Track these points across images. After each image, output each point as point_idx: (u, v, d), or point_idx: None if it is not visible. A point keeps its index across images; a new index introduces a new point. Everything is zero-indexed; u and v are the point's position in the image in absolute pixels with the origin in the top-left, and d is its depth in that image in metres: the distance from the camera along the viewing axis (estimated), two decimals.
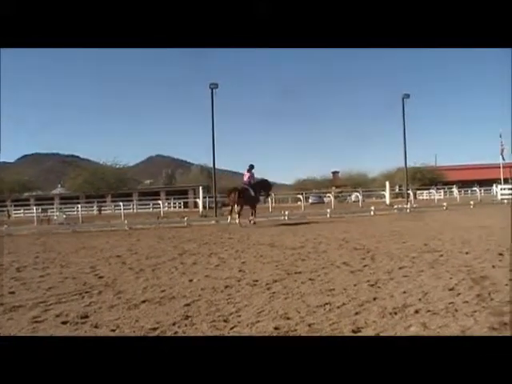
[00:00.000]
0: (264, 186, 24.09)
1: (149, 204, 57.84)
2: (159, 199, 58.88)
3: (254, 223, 22.55)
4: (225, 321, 5.40)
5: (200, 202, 38.03)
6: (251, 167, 23.31)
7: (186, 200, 63.71)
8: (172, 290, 7.23)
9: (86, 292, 7.31)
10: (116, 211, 47.96)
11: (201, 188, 38.94)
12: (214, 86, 30.67)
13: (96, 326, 5.35)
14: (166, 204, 60.32)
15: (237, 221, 21.97)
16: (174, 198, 65.29)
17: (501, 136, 59.12)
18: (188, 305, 6.22)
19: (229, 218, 23.37)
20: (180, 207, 62.80)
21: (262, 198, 24.85)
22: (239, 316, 5.58)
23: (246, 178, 23.34)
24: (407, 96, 37.86)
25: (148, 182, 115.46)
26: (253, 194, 22.67)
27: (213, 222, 25.59)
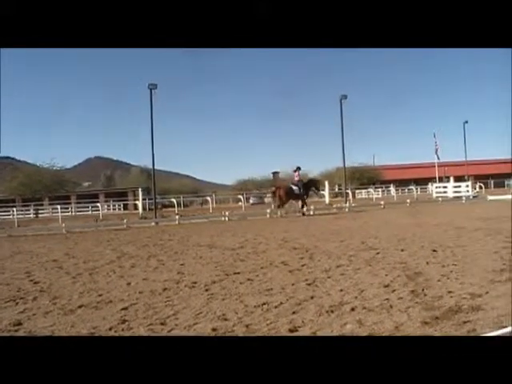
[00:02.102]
0: (314, 184, 29.25)
1: (87, 207, 56.75)
2: (98, 202, 57.91)
3: (303, 214, 26.46)
4: (162, 324, 5.36)
5: (140, 203, 37.63)
6: (298, 169, 28.03)
7: (125, 202, 62.94)
8: (109, 293, 7.12)
9: (21, 298, 7.12)
10: (54, 214, 47.01)
11: (140, 190, 38.50)
12: (152, 87, 30.35)
13: (30, 334, 5.23)
14: (106, 206, 59.53)
15: (278, 213, 26.23)
16: (114, 201, 64.46)
17: (435, 136, 60.80)
18: (125, 308, 6.14)
19: (278, 212, 26.70)
20: (120, 209, 62.00)
21: (312, 193, 29.68)
22: (177, 318, 5.55)
23: (295, 178, 27.86)
24: (345, 97, 38.43)
25: (87, 184, 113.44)
26: (297, 191, 26.71)
27: (152, 223, 25.34)
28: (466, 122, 54.72)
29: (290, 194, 26.71)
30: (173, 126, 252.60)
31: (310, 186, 28.41)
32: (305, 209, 27.06)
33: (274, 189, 28.45)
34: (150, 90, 30.42)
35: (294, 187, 26.92)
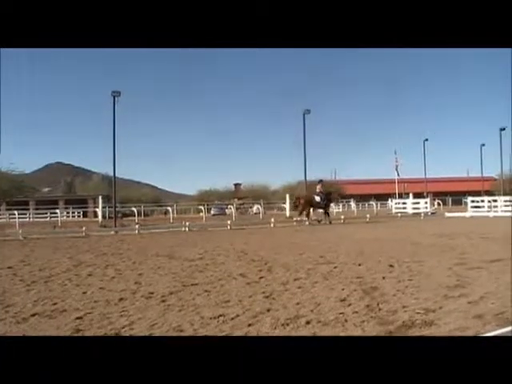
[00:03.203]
0: (332, 195, 33.80)
1: (46, 213, 55.88)
2: (57, 208, 56.99)
3: (330, 223, 29.95)
4: (117, 334, 5.30)
5: (99, 211, 37.22)
6: (320, 181, 32.67)
7: (85, 209, 62.23)
8: (64, 302, 7.01)
9: None
10: (11, 220, 46.01)
11: (100, 197, 38.11)
12: (116, 94, 30.15)
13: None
14: (65, 213, 58.68)
15: (307, 222, 29.66)
16: (73, 207, 63.63)
17: (395, 153, 61.77)
18: (80, 318, 6.05)
19: (303, 218, 30.58)
20: (79, 217, 61.27)
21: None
22: (132, 329, 5.48)
23: (317, 189, 31.04)
24: (308, 112, 38.85)
25: (46, 189, 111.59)
26: (319, 200, 30.20)
27: (112, 232, 25.11)
28: (426, 139, 55.61)
29: (311, 203, 30.24)
30: (136, 134, 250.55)
31: (330, 197, 32.23)
32: (325, 217, 30.56)
33: (297, 197, 32.96)
34: (114, 97, 30.21)
35: (317, 197, 30.31)
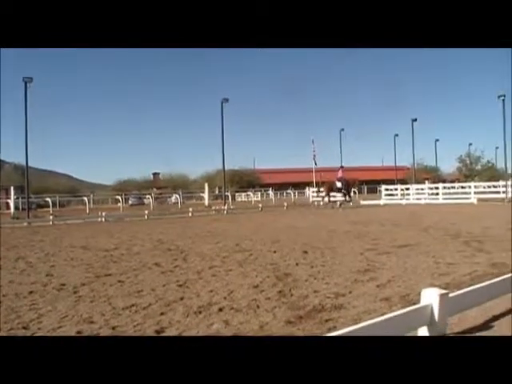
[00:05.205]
0: (354, 182, 36.96)
1: None
2: None
3: (349, 201, 33.93)
4: (24, 328, 5.15)
5: (12, 202, 35.89)
6: (341, 167, 35.05)
7: None
8: None
9: None
10: None
11: (12, 188, 36.67)
12: (28, 80, 29.26)
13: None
14: None
15: (326, 200, 34.00)
16: None
17: (313, 142, 62.63)
18: None
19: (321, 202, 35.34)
20: None
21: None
22: (40, 322, 5.35)
23: (339, 175, 33.73)
24: (226, 100, 38.89)
25: None
26: (340, 186, 33.13)
27: (25, 224, 24.36)
28: (343, 129, 56.70)
29: (332, 189, 33.87)
30: (50, 122, 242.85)
31: (350, 182, 34.92)
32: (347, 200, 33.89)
33: (324, 184, 37.11)
34: (25, 82, 29.26)
35: (338, 183, 33.28)
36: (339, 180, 33.41)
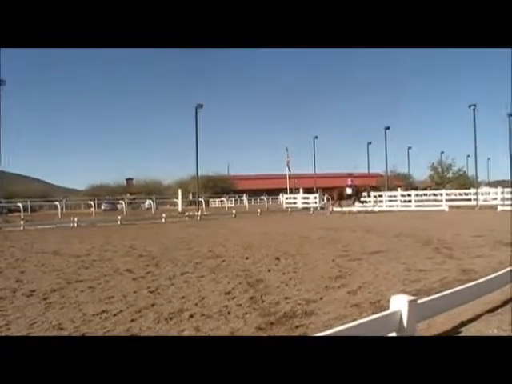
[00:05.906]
0: (364, 189, 36.70)
1: None
2: None
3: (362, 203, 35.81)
4: None
5: None
6: (350, 174, 35.75)
7: None
8: None
9: None
10: None
11: None
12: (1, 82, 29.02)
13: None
14: None
15: (334, 208, 34.16)
16: None
17: (287, 149, 62.95)
18: None
19: (330, 208, 34.95)
20: None
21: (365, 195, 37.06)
22: (9, 329, 5.29)
23: (348, 182, 34.58)
24: (200, 106, 38.83)
25: None
26: (350, 192, 33.90)
27: None
28: (316, 137, 56.92)
29: (342, 195, 34.26)
30: (22, 125, 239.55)
31: (361, 190, 35.63)
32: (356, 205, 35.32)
33: (333, 190, 36.34)
34: None
35: (348, 189, 34.10)
36: (350, 187, 34.26)
